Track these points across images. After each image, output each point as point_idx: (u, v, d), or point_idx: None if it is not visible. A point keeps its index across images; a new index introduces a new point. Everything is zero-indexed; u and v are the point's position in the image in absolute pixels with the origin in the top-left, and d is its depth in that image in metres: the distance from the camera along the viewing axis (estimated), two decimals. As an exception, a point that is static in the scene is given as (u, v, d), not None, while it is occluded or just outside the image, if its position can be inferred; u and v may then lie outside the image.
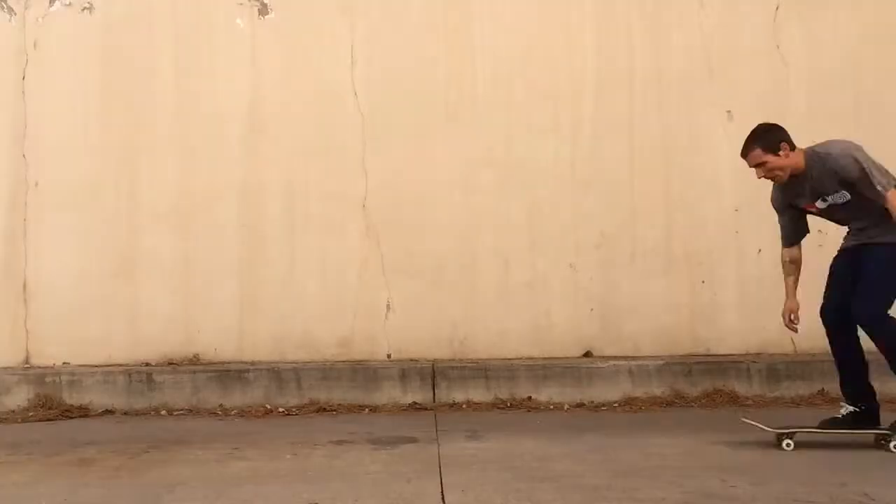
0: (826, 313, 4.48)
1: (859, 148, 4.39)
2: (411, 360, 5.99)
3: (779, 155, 4.34)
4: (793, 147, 4.38)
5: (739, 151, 4.44)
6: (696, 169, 6.17)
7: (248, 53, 6.17)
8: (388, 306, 6.11)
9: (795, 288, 4.58)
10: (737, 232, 6.15)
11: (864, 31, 6.19)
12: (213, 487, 3.73)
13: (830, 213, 4.50)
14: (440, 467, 4.01)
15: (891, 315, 4.34)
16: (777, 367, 5.71)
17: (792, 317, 4.57)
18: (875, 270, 4.30)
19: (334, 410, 5.57)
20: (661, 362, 5.76)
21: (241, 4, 6.17)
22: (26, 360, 6.03)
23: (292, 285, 6.09)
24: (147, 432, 5.00)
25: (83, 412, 5.55)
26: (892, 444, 4.28)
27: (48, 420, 5.41)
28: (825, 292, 4.51)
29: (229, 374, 5.73)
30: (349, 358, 6.03)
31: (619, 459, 4.13)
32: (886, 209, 4.21)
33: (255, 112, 6.14)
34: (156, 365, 5.91)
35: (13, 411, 5.55)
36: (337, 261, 6.12)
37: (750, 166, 4.43)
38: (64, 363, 5.99)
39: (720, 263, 6.15)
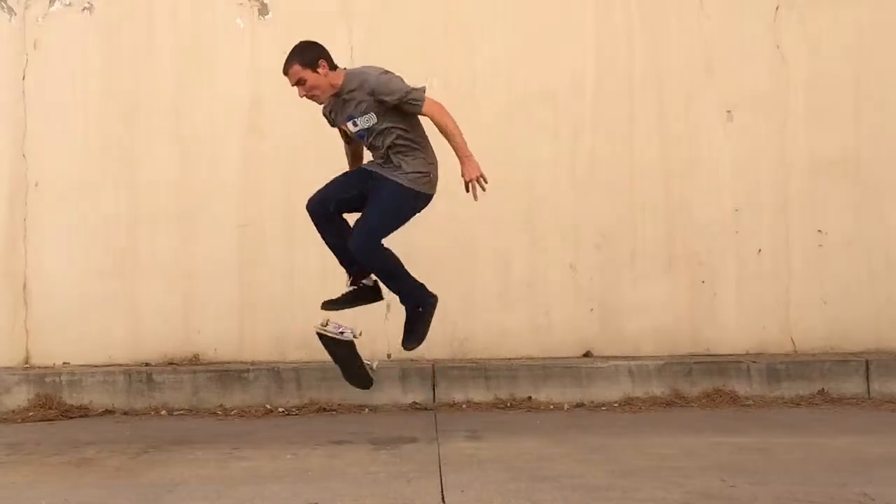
0: (310, 202, 4.55)
1: (385, 70, 4.53)
2: (411, 360, 5.99)
3: (317, 72, 4.39)
4: (333, 66, 4.44)
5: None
6: (696, 169, 6.16)
7: (248, 53, 6.16)
8: (388, 306, 6.09)
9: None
10: (737, 232, 6.15)
11: (864, 31, 6.19)
12: (213, 487, 3.74)
13: (360, 139, 4.58)
14: (440, 467, 4.02)
15: (384, 245, 4.51)
16: (777, 367, 5.71)
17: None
18: (377, 205, 4.45)
19: (334, 410, 5.57)
20: (661, 362, 5.76)
21: (241, 4, 6.17)
22: (26, 360, 6.03)
23: (292, 285, 6.08)
24: (147, 432, 5.00)
25: (83, 412, 5.55)
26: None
27: (48, 420, 5.41)
28: (326, 185, 4.60)
29: (229, 374, 5.73)
30: (349, 358, 6.02)
31: (619, 459, 4.13)
32: (411, 143, 4.43)
33: (255, 112, 6.14)
34: (156, 365, 5.91)
35: (13, 411, 5.55)
36: (337, 260, 6.10)
37: (291, 84, 4.48)
38: (64, 363, 6.00)
39: (720, 263, 6.15)
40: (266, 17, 6.17)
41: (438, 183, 6.09)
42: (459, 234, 6.11)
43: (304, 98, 4.51)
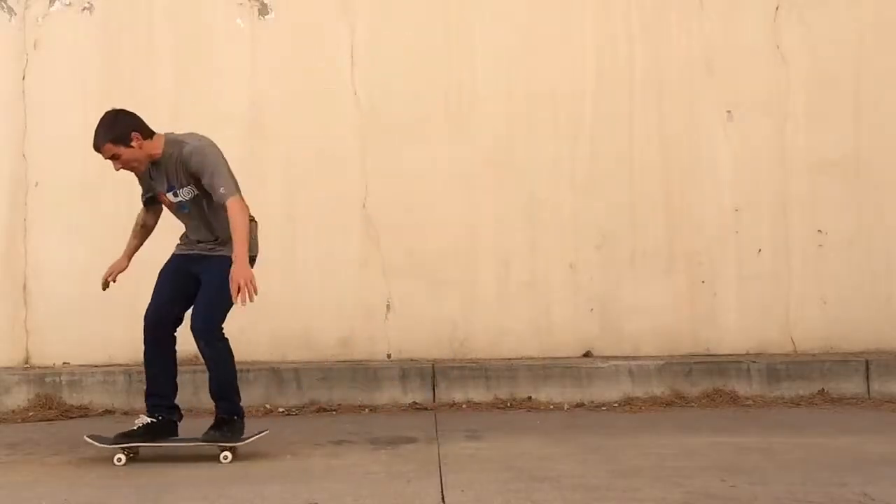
0: (147, 315, 4.41)
1: (214, 145, 4.32)
2: (411, 360, 5.99)
3: (131, 146, 4.18)
4: (147, 134, 4.24)
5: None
6: (696, 169, 6.16)
7: (248, 53, 6.16)
8: (388, 306, 6.11)
9: (135, 252, 4.57)
10: (737, 232, 6.15)
11: (864, 31, 6.19)
12: (213, 487, 3.73)
13: (182, 215, 4.40)
14: (440, 467, 4.02)
15: (223, 331, 4.41)
16: (777, 367, 5.71)
17: (111, 277, 4.50)
18: (214, 282, 4.27)
19: (334, 410, 5.57)
20: (661, 362, 5.76)
21: (241, 4, 6.17)
22: (26, 360, 6.03)
23: (292, 285, 6.08)
24: (147, 432, 4.99)
25: (83, 412, 5.55)
26: (221, 456, 4.21)
27: (48, 420, 5.41)
28: (154, 296, 4.45)
29: (229, 374, 5.71)
30: (349, 358, 6.03)
31: (619, 459, 4.13)
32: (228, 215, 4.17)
33: (255, 112, 6.14)
34: (156, 365, 5.90)
35: (13, 411, 5.55)
36: (337, 261, 6.12)
37: (105, 158, 4.26)
38: (64, 363, 5.99)
39: (720, 263, 6.15)
40: (266, 17, 6.17)
41: (438, 186, 6.13)
42: (459, 235, 6.11)
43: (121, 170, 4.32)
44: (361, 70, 6.14)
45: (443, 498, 3.52)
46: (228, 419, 4.35)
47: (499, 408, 5.57)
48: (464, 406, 5.62)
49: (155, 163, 4.30)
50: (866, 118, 6.17)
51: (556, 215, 6.14)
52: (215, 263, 4.32)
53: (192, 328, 4.31)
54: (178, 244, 4.56)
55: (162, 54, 6.13)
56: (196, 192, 4.28)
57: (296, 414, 5.52)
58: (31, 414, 5.50)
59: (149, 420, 4.33)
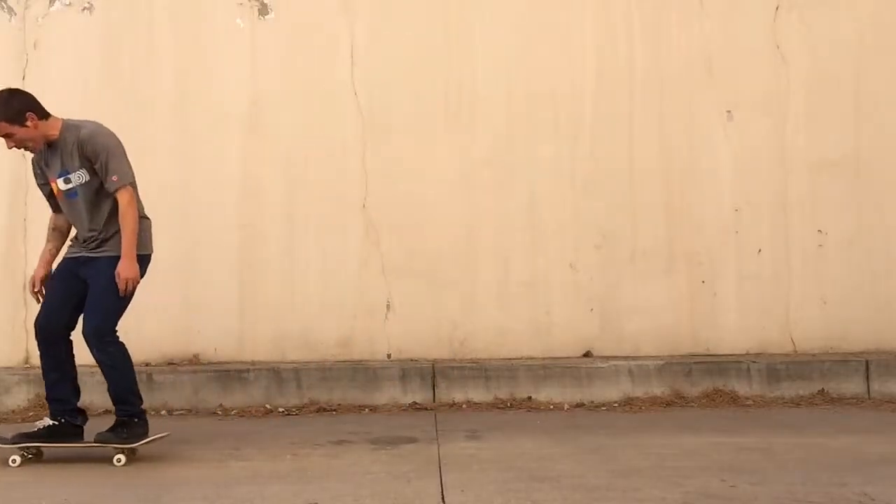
0: (38, 322, 4.34)
1: (113, 134, 4.31)
2: (411, 360, 5.99)
3: (26, 126, 4.16)
4: (43, 115, 4.22)
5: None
6: (696, 169, 6.16)
7: (248, 53, 6.16)
8: (388, 306, 6.11)
9: (54, 257, 4.47)
10: (737, 232, 6.15)
11: (864, 31, 6.19)
12: (213, 487, 3.74)
13: (70, 204, 4.32)
14: (440, 467, 4.02)
15: (117, 334, 4.31)
16: (777, 367, 5.71)
17: (36, 285, 4.40)
18: (101, 284, 4.22)
19: (334, 410, 5.57)
20: (661, 362, 5.76)
21: (241, 4, 6.16)
22: (26, 360, 6.03)
23: (292, 286, 6.08)
24: (147, 432, 4.99)
25: (83, 412, 5.54)
26: (115, 458, 4.19)
27: (48, 420, 5.40)
28: (46, 302, 4.37)
29: (229, 374, 5.72)
30: (349, 358, 6.03)
31: (619, 459, 4.13)
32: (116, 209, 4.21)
33: (255, 112, 6.14)
34: (156, 365, 5.91)
35: (13, 411, 5.54)
36: (337, 261, 6.12)
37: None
38: (64, 363, 5.98)
39: (720, 263, 6.15)
40: (266, 17, 6.17)
41: (438, 185, 6.13)
42: (459, 235, 6.11)
43: (14, 148, 4.30)
44: (361, 70, 6.14)
45: (443, 498, 3.52)
46: (127, 421, 4.31)
47: (499, 408, 5.57)
48: (464, 406, 5.62)
49: (51, 145, 4.26)
50: (866, 118, 6.17)
51: (556, 215, 6.14)
52: (102, 265, 4.27)
53: (83, 334, 4.24)
54: (69, 247, 4.48)
55: (162, 54, 6.13)
56: (88, 177, 4.23)
57: (296, 414, 5.52)
58: (31, 414, 5.48)
59: (51, 422, 4.29)
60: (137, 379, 4.47)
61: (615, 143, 6.16)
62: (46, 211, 6.01)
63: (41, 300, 4.41)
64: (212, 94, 6.11)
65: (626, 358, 5.90)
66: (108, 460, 4.24)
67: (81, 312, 4.31)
